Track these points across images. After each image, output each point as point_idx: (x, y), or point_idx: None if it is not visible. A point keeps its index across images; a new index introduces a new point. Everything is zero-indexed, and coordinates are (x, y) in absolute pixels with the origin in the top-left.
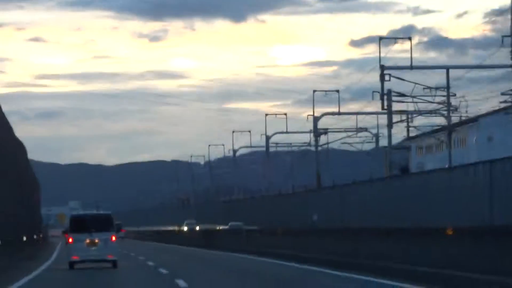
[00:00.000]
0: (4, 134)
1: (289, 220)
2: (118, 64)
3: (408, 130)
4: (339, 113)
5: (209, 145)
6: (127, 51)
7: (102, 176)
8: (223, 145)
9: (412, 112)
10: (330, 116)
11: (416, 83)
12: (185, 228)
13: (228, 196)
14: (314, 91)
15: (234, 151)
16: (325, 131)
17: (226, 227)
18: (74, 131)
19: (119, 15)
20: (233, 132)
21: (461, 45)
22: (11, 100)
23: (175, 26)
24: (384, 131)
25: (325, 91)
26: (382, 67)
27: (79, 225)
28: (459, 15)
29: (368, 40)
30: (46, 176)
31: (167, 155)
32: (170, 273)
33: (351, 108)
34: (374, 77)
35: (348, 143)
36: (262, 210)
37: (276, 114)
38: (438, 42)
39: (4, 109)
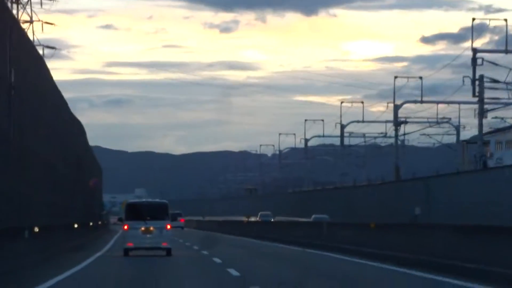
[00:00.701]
0: (61, 113)
1: (370, 213)
2: (188, 53)
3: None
4: (421, 101)
5: (279, 134)
6: (198, 41)
7: (169, 164)
8: (294, 134)
9: (507, 102)
10: (411, 104)
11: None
12: (257, 219)
13: (298, 188)
14: (396, 77)
15: (306, 140)
16: (405, 120)
17: (307, 219)
18: (142, 120)
19: (190, 5)
20: (305, 120)
21: None
22: (81, 87)
23: (246, 17)
24: (468, 122)
25: (407, 77)
26: (475, 50)
27: (135, 212)
28: None
29: (439, 36)
30: (113, 164)
31: (235, 146)
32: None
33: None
34: (445, 74)
35: (427, 135)
36: (337, 202)
37: (352, 102)
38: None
39: (73, 95)
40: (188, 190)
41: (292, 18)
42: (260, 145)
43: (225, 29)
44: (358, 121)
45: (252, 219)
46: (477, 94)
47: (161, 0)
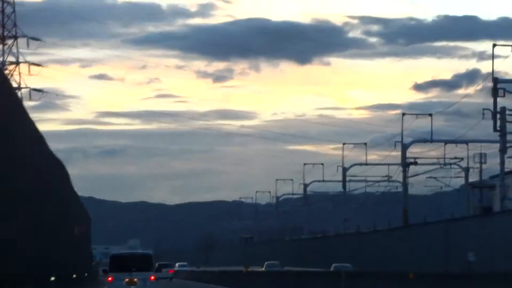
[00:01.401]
0: (40, 150)
1: (395, 261)
2: (182, 103)
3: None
4: (431, 141)
5: (277, 180)
6: (191, 90)
7: (163, 215)
8: (292, 180)
9: None
10: (421, 144)
11: None
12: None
13: (297, 235)
14: (403, 114)
15: (305, 185)
16: (415, 161)
17: (319, 269)
18: (136, 170)
19: (184, 54)
20: (304, 164)
21: None
22: (75, 137)
23: (239, 66)
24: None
25: (416, 114)
26: (496, 80)
27: (119, 264)
28: None
29: (432, 84)
30: (107, 214)
31: (229, 195)
32: None
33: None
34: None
35: (435, 178)
36: (348, 249)
37: (354, 144)
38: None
39: (67, 146)
40: (182, 239)
41: (286, 67)
42: (256, 192)
43: (219, 78)
44: (361, 164)
45: (252, 268)
46: (498, 128)
47: (154, 49)
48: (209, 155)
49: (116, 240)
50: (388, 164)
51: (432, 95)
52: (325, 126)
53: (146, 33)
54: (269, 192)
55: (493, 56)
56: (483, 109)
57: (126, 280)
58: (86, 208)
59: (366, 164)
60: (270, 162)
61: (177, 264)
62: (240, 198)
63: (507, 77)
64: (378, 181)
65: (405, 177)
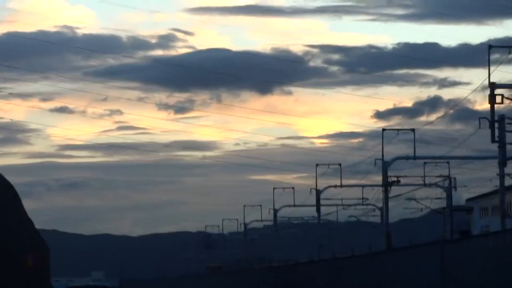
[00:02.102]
0: None
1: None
2: (143, 135)
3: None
4: (414, 158)
5: (244, 206)
6: (153, 121)
7: (126, 246)
8: (261, 205)
9: None
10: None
11: None
12: None
13: (267, 264)
14: (383, 129)
15: (275, 211)
16: (397, 180)
17: None
18: (99, 202)
19: (145, 86)
20: (274, 189)
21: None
22: (36, 171)
23: (201, 97)
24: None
25: (398, 129)
26: (493, 85)
27: None
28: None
29: (394, 111)
30: (70, 247)
31: (193, 226)
32: None
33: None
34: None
35: (415, 199)
36: (324, 277)
37: (328, 165)
38: (465, 114)
39: (29, 180)
40: (146, 271)
41: (247, 97)
42: (223, 220)
43: (180, 109)
44: (335, 186)
45: None
46: (496, 138)
47: (115, 81)
48: (172, 186)
49: (80, 272)
50: (365, 186)
51: (394, 122)
52: (287, 156)
53: (106, 65)
54: (237, 219)
55: (489, 60)
56: (479, 118)
57: None
58: (47, 240)
59: (341, 186)
60: (234, 191)
61: None
62: (206, 227)
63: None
64: (353, 204)
65: (386, 197)
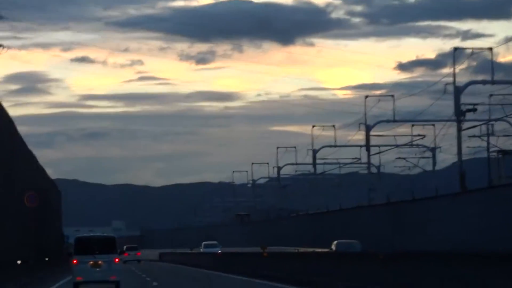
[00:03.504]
0: None
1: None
2: (165, 85)
3: None
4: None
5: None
6: (174, 72)
7: (148, 197)
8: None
9: None
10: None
11: None
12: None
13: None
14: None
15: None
16: (474, 108)
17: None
18: (120, 152)
19: (166, 36)
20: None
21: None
22: (58, 120)
23: (222, 48)
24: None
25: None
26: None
27: (84, 247)
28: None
29: (417, 63)
30: (91, 197)
31: (214, 177)
32: None
33: None
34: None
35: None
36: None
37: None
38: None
39: (50, 129)
40: (168, 221)
41: (269, 48)
42: (233, 172)
43: (201, 60)
44: (330, 146)
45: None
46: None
47: (136, 32)
48: (194, 137)
49: (101, 222)
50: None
51: (416, 74)
52: (308, 107)
53: (128, 15)
54: (246, 171)
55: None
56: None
57: (91, 262)
58: (68, 189)
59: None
60: (254, 143)
61: (203, 244)
62: (225, 180)
63: None
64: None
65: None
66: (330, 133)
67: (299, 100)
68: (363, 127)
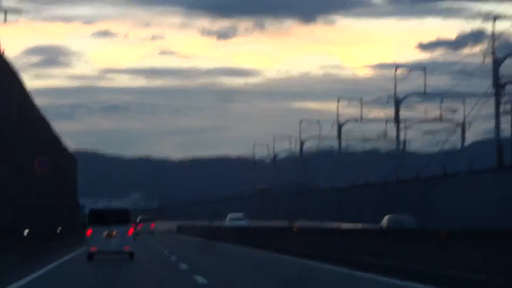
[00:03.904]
0: None
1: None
2: (186, 60)
3: None
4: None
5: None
6: (195, 47)
7: (167, 170)
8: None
9: None
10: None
11: None
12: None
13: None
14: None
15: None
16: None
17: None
18: (140, 126)
19: (187, 12)
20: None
21: None
22: (78, 93)
23: (244, 24)
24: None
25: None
26: None
27: (98, 218)
28: None
29: (437, 43)
30: (111, 168)
31: (234, 152)
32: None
33: None
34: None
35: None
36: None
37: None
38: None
39: (71, 102)
40: (187, 194)
41: (291, 25)
42: (254, 145)
43: (223, 35)
44: (356, 120)
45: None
46: None
47: (158, 6)
48: (213, 112)
49: (119, 194)
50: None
51: (437, 54)
52: (329, 84)
53: None
54: (267, 145)
55: None
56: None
57: (105, 233)
58: (87, 161)
59: (361, 120)
60: (274, 119)
61: (228, 217)
62: (244, 155)
63: None
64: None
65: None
66: (351, 110)
67: (319, 77)
68: (392, 101)
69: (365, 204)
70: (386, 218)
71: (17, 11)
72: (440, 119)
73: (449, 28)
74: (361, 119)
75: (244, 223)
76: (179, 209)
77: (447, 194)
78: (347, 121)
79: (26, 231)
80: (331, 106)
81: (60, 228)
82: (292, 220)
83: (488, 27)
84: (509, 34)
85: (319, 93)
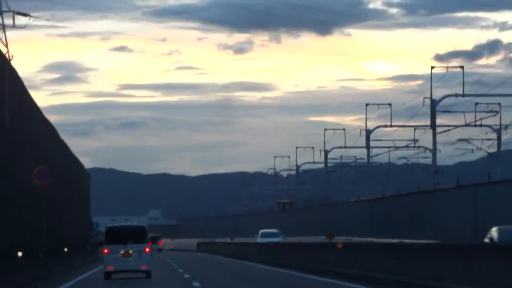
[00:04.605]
0: None
1: None
2: (203, 75)
3: None
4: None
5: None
6: (212, 62)
7: (185, 186)
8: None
9: None
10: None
11: None
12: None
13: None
14: (432, 67)
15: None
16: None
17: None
18: (157, 142)
19: (204, 26)
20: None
21: None
22: (95, 110)
23: (260, 38)
24: None
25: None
26: None
27: (115, 236)
28: None
29: (454, 54)
30: (128, 186)
31: (250, 167)
32: None
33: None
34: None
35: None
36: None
37: (378, 105)
38: None
39: (88, 118)
40: (205, 210)
41: (307, 38)
42: (275, 157)
43: (239, 50)
44: (385, 126)
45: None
46: None
47: (174, 21)
48: (230, 127)
49: (137, 211)
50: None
51: (453, 65)
52: (346, 97)
53: (166, 5)
54: (289, 157)
55: None
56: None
57: (122, 252)
58: (104, 178)
59: (391, 126)
60: (291, 133)
61: (260, 233)
62: (261, 170)
63: None
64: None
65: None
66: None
67: (336, 90)
68: (427, 102)
69: (399, 216)
70: (494, 229)
71: (25, 15)
72: (474, 124)
73: (466, 38)
74: (391, 125)
75: (278, 239)
76: (197, 225)
77: (493, 202)
78: (377, 127)
79: (19, 254)
80: (345, 120)
81: (66, 248)
82: (331, 236)
83: (503, 37)
84: None
85: (336, 107)
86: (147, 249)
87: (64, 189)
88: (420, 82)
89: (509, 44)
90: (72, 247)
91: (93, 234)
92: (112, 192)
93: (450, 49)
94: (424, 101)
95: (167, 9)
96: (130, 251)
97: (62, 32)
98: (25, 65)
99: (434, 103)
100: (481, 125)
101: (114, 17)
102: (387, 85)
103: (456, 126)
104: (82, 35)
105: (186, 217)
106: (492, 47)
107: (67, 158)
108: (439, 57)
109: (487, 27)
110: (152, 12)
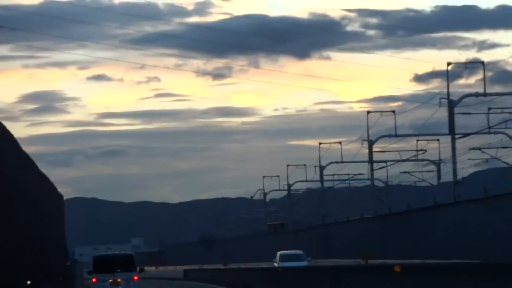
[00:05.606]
0: None
1: None
2: (182, 101)
3: None
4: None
5: (263, 177)
6: (191, 88)
7: (167, 213)
8: (278, 176)
9: None
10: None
11: None
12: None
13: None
14: (368, 112)
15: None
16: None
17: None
18: (138, 170)
19: (182, 53)
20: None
21: None
22: (75, 139)
23: (238, 63)
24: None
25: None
26: None
27: (102, 265)
28: None
29: (433, 75)
30: (110, 215)
31: (232, 192)
32: None
33: None
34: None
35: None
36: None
37: (330, 144)
38: (505, 76)
39: (68, 148)
40: (188, 237)
41: (285, 62)
42: (264, 177)
43: (218, 75)
44: (337, 162)
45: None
46: None
47: (152, 49)
48: (211, 153)
49: (120, 240)
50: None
51: (433, 86)
52: (326, 121)
53: (143, 33)
54: (278, 176)
55: None
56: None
57: (110, 281)
58: (86, 208)
59: (342, 162)
60: (271, 158)
61: (278, 256)
62: (243, 195)
63: None
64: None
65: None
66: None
67: (316, 113)
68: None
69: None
70: None
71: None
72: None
73: (444, 59)
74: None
75: (304, 263)
76: (181, 252)
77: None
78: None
79: None
80: (328, 142)
81: (29, 281)
82: (367, 257)
83: (482, 57)
84: (505, 62)
85: (315, 130)
86: (136, 277)
87: (22, 206)
88: (400, 103)
89: (488, 64)
90: (39, 278)
91: (69, 264)
92: (94, 221)
93: (429, 69)
94: (440, 102)
95: (145, 37)
96: (119, 280)
97: (39, 62)
98: (3, 95)
99: (452, 106)
100: (495, 133)
101: (92, 45)
102: (367, 107)
103: (476, 133)
104: (60, 64)
105: (168, 244)
106: (472, 66)
107: (25, 165)
108: (418, 78)
109: (466, 46)
110: (130, 39)
